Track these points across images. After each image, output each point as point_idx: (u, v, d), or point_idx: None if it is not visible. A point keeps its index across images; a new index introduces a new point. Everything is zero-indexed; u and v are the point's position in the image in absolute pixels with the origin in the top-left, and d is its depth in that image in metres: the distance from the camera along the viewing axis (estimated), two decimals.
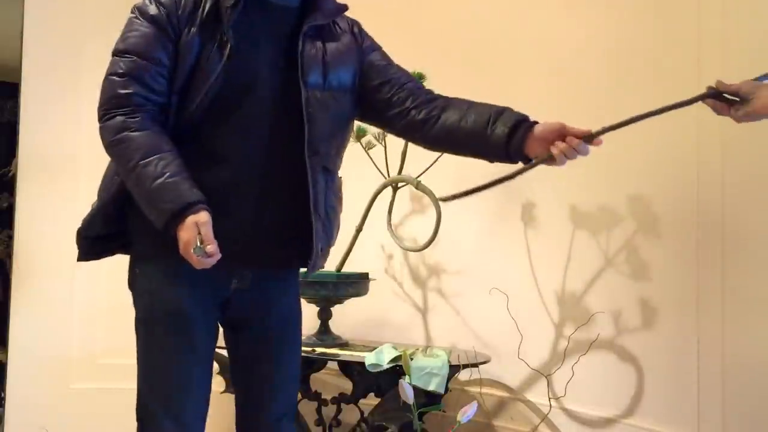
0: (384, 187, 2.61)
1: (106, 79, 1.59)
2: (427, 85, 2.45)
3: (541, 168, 2.71)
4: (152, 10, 1.58)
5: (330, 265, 2.78)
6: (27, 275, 3.19)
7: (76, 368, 3.17)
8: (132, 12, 1.62)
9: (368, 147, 2.68)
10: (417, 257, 3.02)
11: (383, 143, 2.64)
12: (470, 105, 1.67)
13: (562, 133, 1.52)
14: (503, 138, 1.57)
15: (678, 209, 2.24)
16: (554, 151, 1.52)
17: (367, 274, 2.76)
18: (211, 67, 1.56)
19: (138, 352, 1.65)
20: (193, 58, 1.57)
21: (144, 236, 1.61)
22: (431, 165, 2.55)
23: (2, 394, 3.28)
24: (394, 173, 2.60)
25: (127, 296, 1.68)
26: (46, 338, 3.15)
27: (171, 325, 1.61)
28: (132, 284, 1.68)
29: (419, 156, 2.56)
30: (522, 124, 1.57)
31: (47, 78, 3.26)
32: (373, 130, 2.66)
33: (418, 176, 2.51)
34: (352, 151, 2.68)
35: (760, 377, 1.99)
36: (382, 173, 2.63)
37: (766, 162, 2.00)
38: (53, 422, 3.14)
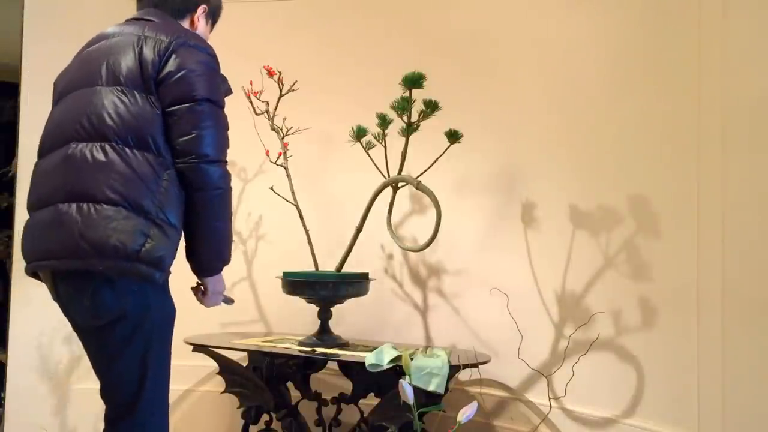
0: (384, 187, 2.60)
1: (220, 128, 1.76)
2: (428, 85, 2.48)
3: (541, 168, 2.73)
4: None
5: (330, 265, 2.79)
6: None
7: (76, 368, 3.17)
8: (208, 54, 1.79)
9: (368, 147, 2.67)
10: (417, 257, 3.02)
11: (383, 143, 2.63)
12: None
13: None
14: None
15: (678, 209, 2.24)
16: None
17: (367, 274, 2.76)
18: None
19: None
20: None
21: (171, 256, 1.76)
22: (431, 165, 2.55)
23: (2, 394, 3.27)
24: (394, 173, 2.59)
25: None
26: (46, 338, 3.15)
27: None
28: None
29: (419, 156, 2.56)
30: None
31: (47, 78, 3.26)
32: (373, 130, 2.66)
33: (418, 176, 2.50)
34: (352, 151, 2.69)
35: (760, 377, 1.99)
36: (382, 173, 2.62)
37: (766, 162, 2.00)
38: (53, 422, 3.14)
